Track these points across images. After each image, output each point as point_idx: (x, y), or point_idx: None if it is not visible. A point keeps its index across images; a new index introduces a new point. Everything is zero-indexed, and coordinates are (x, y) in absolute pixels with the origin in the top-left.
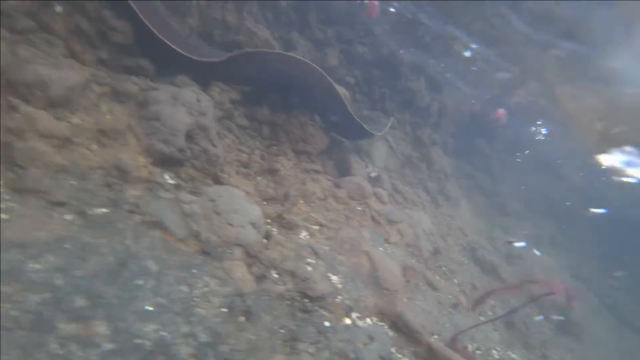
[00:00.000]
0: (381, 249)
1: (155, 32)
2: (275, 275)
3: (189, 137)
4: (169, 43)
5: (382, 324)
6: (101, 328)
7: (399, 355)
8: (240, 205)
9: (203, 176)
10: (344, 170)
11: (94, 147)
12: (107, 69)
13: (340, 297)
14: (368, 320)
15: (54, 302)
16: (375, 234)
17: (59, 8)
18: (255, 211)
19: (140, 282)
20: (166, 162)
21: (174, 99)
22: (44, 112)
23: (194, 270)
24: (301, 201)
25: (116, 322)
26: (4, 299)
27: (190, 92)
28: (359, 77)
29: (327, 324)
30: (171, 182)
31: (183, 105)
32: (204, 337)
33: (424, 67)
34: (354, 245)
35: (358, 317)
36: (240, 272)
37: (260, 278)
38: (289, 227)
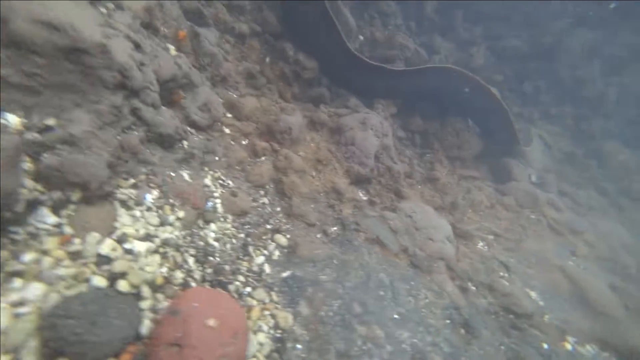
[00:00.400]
0: (570, 262)
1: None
2: (473, 288)
3: (376, 156)
4: (368, 60)
5: (606, 353)
6: (378, 332)
7: None
8: (434, 221)
9: (387, 191)
10: (502, 175)
11: (314, 173)
12: (297, 101)
13: (546, 316)
14: (588, 347)
15: (345, 307)
16: (559, 246)
17: (267, 60)
18: (446, 225)
19: (382, 292)
20: (360, 181)
21: (363, 124)
22: (289, 151)
23: (412, 283)
24: (470, 210)
25: (384, 327)
26: (326, 303)
27: (375, 116)
28: (509, 74)
29: (545, 346)
30: (364, 198)
31: (371, 129)
32: (446, 348)
33: (599, 48)
34: (542, 259)
35: (576, 342)
36: (449, 285)
37: (463, 290)
38: (464, 237)
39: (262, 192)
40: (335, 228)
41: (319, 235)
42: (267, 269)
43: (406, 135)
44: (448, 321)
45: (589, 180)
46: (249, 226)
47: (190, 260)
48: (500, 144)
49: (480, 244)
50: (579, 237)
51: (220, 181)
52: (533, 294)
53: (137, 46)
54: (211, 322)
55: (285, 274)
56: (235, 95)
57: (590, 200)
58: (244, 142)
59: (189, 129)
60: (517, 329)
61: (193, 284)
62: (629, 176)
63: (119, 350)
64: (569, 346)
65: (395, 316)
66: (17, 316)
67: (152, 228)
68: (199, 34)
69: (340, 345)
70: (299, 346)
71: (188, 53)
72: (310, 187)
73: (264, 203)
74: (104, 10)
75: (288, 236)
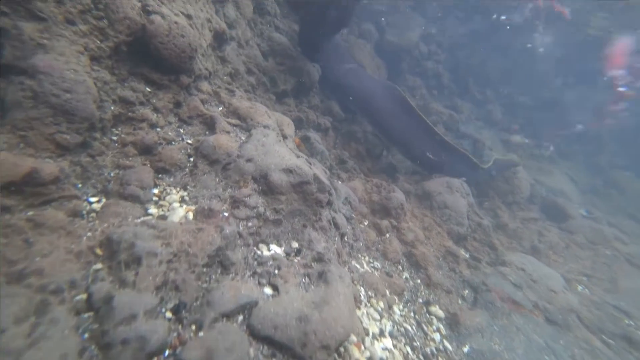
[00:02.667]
0: None
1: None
2: (611, 341)
3: (467, 215)
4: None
5: None
6: None
7: None
8: (545, 270)
9: (482, 245)
10: (556, 213)
11: (423, 239)
12: (373, 174)
13: None
14: None
15: None
16: None
17: (338, 142)
18: (556, 273)
19: (546, 357)
20: (460, 240)
21: (449, 187)
22: (410, 224)
23: (561, 342)
24: (551, 252)
25: None
26: None
27: (456, 180)
28: (522, 122)
29: None
30: (467, 255)
31: (457, 191)
32: None
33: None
34: None
35: None
36: (594, 341)
37: (608, 345)
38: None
39: (400, 268)
40: (467, 291)
41: (460, 302)
42: (448, 345)
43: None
44: None
45: (617, 209)
46: (410, 303)
47: (408, 349)
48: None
49: (579, 287)
50: None
51: (371, 264)
52: None
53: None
54: None
55: (465, 349)
56: (339, 182)
57: (633, 229)
58: (365, 223)
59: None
60: None
61: None
62: None
63: None
64: None
65: None
66: None
67: (377, 322)
68: (309, 137)
69: None
70: None
71: (306, 154)
72: (429, 253)
73: (406, 278)
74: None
75: (437, 307)
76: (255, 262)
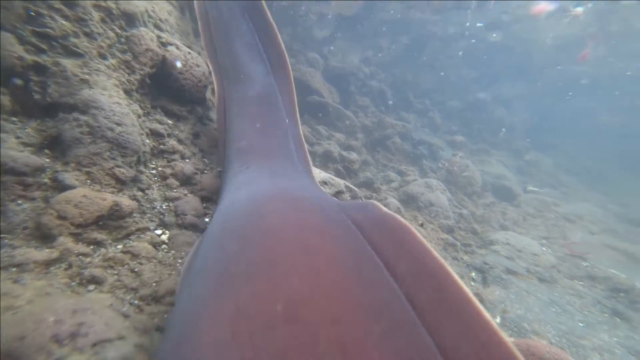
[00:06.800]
0: (605, 236)
1: None
2: (587, 281)
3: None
4: None
5: None
6: (594, 340)
7: None
8: (522, 239)
9: (467, 233)
10: (506, 194)
11: (425, 235)
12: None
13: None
14: None
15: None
16: (581, 230)
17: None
18: (531, 240)
19: (553, 309)
20: (449, 232)
21: (428, 187)
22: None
23: (555, 294)
24: (516, 227)
25: (591, 337)
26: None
27: (433, 179)
28: (459, 124)
29: None
30: (458, 243)
31: (437, 188)
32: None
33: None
34: (589, 244)
35: None
36: (577, 285)
37: (591, 288)
38: None
39: None
40: (473, 273)
41: (473, 283)
42: None
43: None
44: (605, 314)
45: (541, 182)
46: None
47: None
48: None
49: (543, 249)
50: (584, 220)
51: None
52: (614, 271)
53: None
54: None
55: (498, 321)
56: None
57: (557, 194)
58: None
59: None
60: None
61: None
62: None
63: None
64: None
65: (580, 324)
66: None
67: None
68: None
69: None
70: None
71: None
72: (436, 248)
73: None
74: None
75: None
76: None
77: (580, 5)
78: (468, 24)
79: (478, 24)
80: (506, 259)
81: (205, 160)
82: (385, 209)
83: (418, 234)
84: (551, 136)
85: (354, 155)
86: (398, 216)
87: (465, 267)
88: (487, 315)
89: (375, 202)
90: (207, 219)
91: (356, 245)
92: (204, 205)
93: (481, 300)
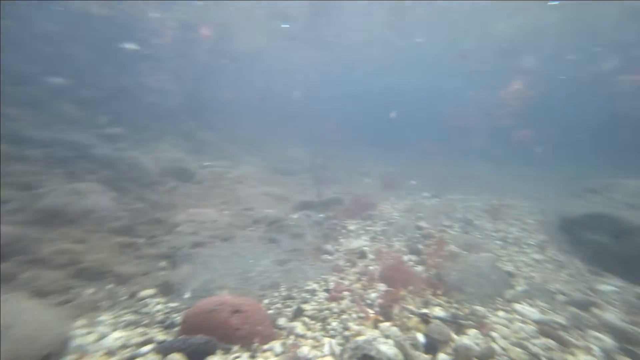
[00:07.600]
0: None
1: None
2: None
3: None
4: None
5: None
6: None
7: None
8: (208, 213)
9: (150, 224)
10: (185, 175)
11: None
12: None
13: None
14: None
15: None
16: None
17: None
18: (212, 210)
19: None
20: (126, 232)
21: (77, 193)
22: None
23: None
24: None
25: None
26: None
27: (85, 182)
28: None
29: None
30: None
31: (91, 192)
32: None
33: None
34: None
35: None
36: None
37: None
38: None
39: None
40: (163, 262)
41: (163, 273)
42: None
43: None
44: (265, 245)
45: (206, 156)
46: None
47: None
48: None
49: (225, 212)
50: (249, 179)
51: None
52: (269, 210)
53: None
54: None
55: None
56: None
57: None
58: None
59: None
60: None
61: None
62: None
63: None
64: None
65: (250, 261)
66: None
67: None
68: None
69: None
70: None
71: None
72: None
73: None
74: None
75: None
76: None
77: None
78: None
79: None
80: (191, 235)
81: None
82: None
83: None
84: (209, 115)
85: None
86: None
87: (152, 261)
88: None
89: None
90: None
91: None
92: None
93: (169, 284)
